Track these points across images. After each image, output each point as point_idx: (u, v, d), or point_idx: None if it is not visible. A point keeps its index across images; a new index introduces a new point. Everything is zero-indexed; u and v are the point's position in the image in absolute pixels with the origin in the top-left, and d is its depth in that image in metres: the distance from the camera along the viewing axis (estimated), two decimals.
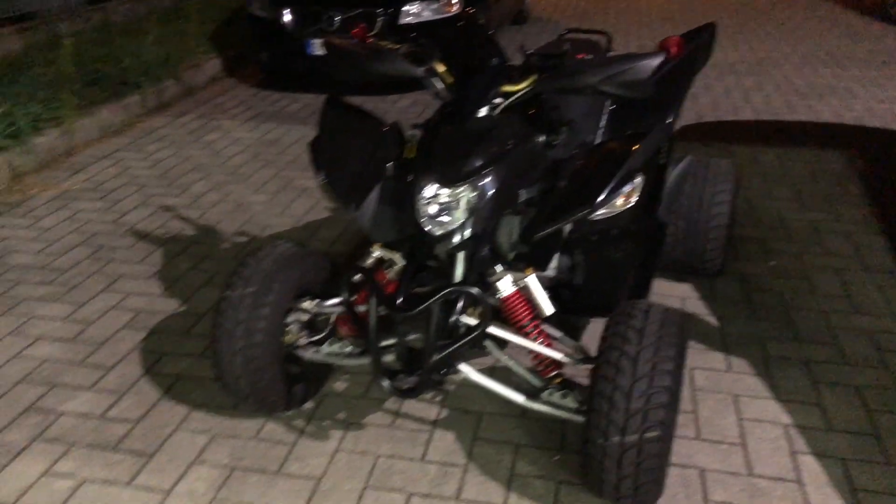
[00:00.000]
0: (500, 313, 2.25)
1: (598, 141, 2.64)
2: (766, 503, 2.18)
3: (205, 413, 2.58)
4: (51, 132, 4.86)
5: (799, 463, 2.32)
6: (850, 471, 2.29)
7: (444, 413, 2.56)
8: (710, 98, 5.90)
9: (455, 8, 5.82)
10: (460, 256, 2.15)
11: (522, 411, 2.55)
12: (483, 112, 2.21)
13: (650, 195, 2.52)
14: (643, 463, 1.91)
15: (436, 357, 2.03)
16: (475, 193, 2.09)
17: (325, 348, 2.45)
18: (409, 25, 5.69)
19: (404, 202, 2.36)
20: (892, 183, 4.28)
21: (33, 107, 4.88)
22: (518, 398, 2.19)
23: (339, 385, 2.71)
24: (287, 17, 5.82)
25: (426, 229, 2.12)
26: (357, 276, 2.31)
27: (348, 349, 2.44)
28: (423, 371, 2.04)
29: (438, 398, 2.63)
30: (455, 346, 2.05)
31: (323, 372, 2.66)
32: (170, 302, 3.26)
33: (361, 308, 2.39)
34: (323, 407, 2.60)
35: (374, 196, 2.37)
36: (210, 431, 2.50)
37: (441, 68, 2.35)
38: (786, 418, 2.51)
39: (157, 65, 5.94)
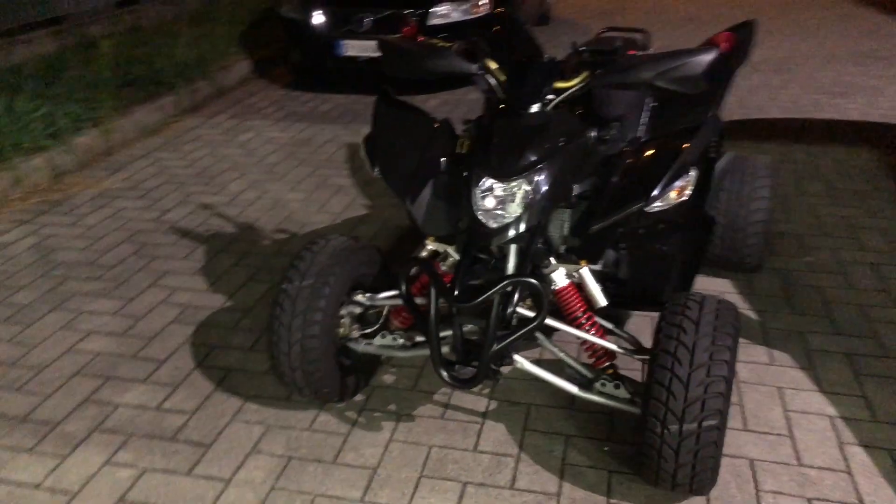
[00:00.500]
0: (551, 305, 2.29)
1: (640, 136, 2.68)
2: (817, 493, 2.21)
3: (258, 405, 2.64)
4: (90, 132, 4.95)
5: (847, 453, 2.35)
6: None
7: (493, 405, 2.61)
8: (736, 96, 5.91)
9: (483, 9, 5.87)
10: (514, 249, 2.20)
11: (570, 403, 2.59)
12: (535, 108, 2.26)
13: (700, 189, 2.56)
14: (701, 451, 1.95)
15: (495, 347, 2.08)
16: (530, 187, 2.13)
17: (378, 340, 2.50)
18: (438, 26, 5.74)
19: (457, 197, 2.41)
20: None
21: (72, 107, 4.97)
22: (572, 389, 2.23)
23: (388, 378, 2.76)
24: (317, 18, 5.89)
25: (483, 222, 2.16)
26: (414, 269, 2.35)
27: (400, 341, 2.49)
28: (481, 362, 2.09)
29: (486, 391, 2.67)
30: (514, 336, 2.09)
31: (372, 364, 2.71)
32: (215, 297, 3.32)
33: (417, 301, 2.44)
34: (373, 399, 2.65)
35: (427, 190, 2.42)
36: (265, 422, 2.56)
37: (493, 65, 2.39)
38: (831, 410, 2.54)
39: (189, 66, 6.03)
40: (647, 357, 2.19)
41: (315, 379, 2.41)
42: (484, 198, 2.17)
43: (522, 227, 2.16)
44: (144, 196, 4.40)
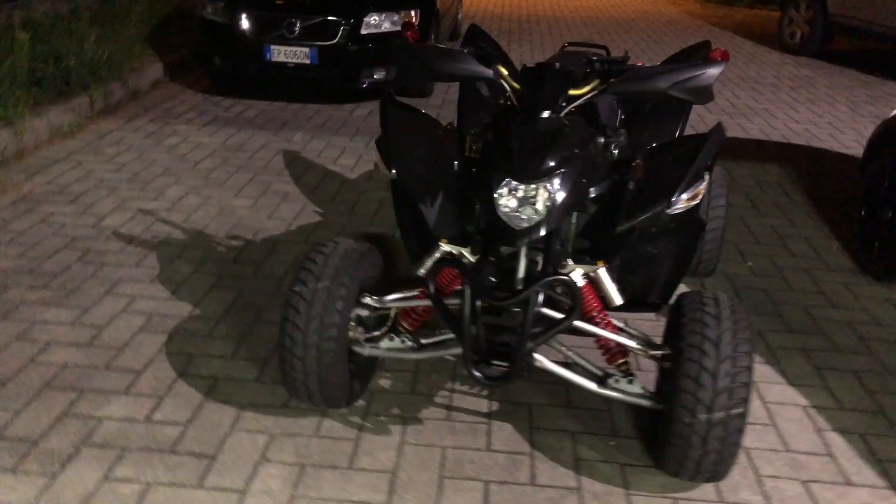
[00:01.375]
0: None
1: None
2: (810, 475, 2.39)
3: (255, 413, 2.55)
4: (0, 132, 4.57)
5: (825, 439, 2.56)
6: (870, 444, 2.55)
7: (496, 406, 2.64)
8: None
9: (414, 21, 5.91)
10: (524, 252, 2.26)
11: (567, 401, 2.67)
12: (546, 114, 2.33)
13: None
14: (727, 438, 2.07)
15: (530, 345, 2.12)
16: (552, 190, 2.20)
17: (385, 343, 2.48)
18: (369, 35, 5.74)
19: (468, 199, 2.45)
20: (830, 193, 4.72)
21: None
22: (591, 385, 2.31)
23: (385, 382, 2.74)
24: (245, 22, 5.74)
25: (507, 224, 2.21)
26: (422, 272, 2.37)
27: (409, 344, 2.48)
28: (517, 358, 2.13)
29: (484, 392, 2.71)
30: (550, 333, 2.15)
31: (371, 368, 2.68)
32: (181, 305, 3.17)
33: (423, 302, 2.45)
34: (374, 403, 2.62)
35: (439, 193, 2.44)
36: (267, 431, 2.47)
37: (504, 71, 2.44)
38: (803, 400, 2.76)
39: (100, 66, 5.70)
40: (661, 353, 2.30)
41: (328, 383, 2.36)
42: (507, 200, 2.21)
43: (545, 228, 2.22)
44: (75, 201, 4.12)
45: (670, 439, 2.14)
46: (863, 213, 3.85)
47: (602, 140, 2.44)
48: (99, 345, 2.88)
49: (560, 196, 2.20)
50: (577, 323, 2.30)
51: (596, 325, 2.34)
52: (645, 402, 2.31)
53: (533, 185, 2.19)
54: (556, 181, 2.20)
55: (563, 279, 2.13)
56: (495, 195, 2.22)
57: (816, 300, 3.47)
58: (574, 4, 12.79)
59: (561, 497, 2.26)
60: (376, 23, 5.75)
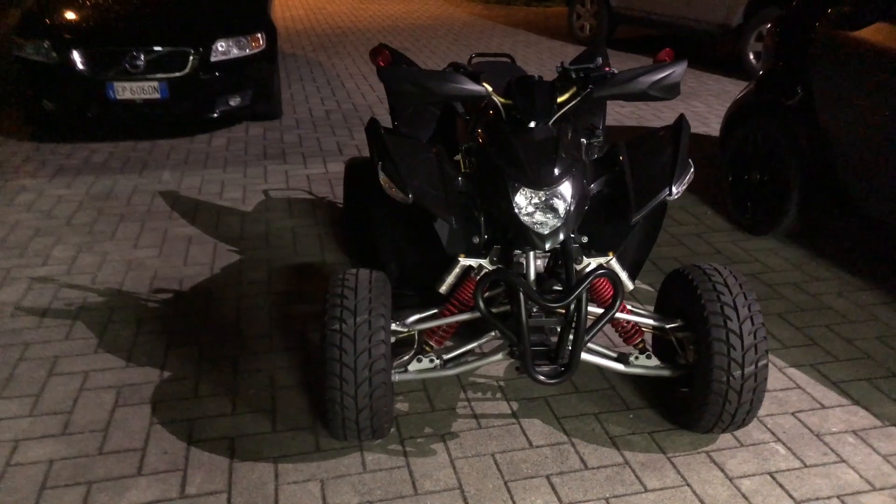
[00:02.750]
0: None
1: None
2: (794, 408, 2.76)
3: (293, 463, 2.45)
4: None
5: (788, 375, 2.97)
6: (822, 371, 2.98)
7: (515, 405, 2.76)
8: None
9: (261, 44, 5.77)
10: (533, 255, 2.41)
11: (576, 387, 2.85)
12: (533, 123, 2.48)
13: None
14: (758, 387, 2.36)
15: (586, 339, 2.27)
16: (567, 192, 2.36)
17: (414, 366, 2.51)
18: (220, 62, 5.51)
19: (474, 212, 2.53)
20: None
21: None
22: (619, 367, 2.51)
23: (402, 406, 2.74)
24: (80, 60, 5.26)
25: (533, 230, 2.33)
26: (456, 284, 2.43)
27: (437, 362, 2.52)
28: (575, 354, 2.26)
29: (498, 395, 2.81)
30: (598, 326, 2.31)
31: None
32: (146, 371, 2.92)
33: (452, 319, 2.51)
34: (403, 428, 2.63)
35: (451, 210, 2.50)
36: (315, 477, 2.40)
37: (489, 87, 2.55)
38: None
39: None
40: (676, 325, 2.54)
41: (380, 417, 2.35)
42: (527, 208, 2.34)
43: (568, 229, 2.37)
44: None
45: (708, 398, 2.38)
46: (730, 178, 4.41)
47: (584, 141, 2.64)
48: (75, 431, 2.59)
49: (573, 197, 2.36)
50: (595, 310, 2.49)
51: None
52: (665, 373, 2.55)
53: (550, 191, 2.33)
54: (568, 184, 2.36)
55: (607, 272, 2.30)
56: (514, 205, 2.34)
57: (720, 259, 3.94)
58: (369, 14, 13.00)
59: (616, 474, 2.43)
60: (225, 49, 5.54)
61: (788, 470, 2.45)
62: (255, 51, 5.72)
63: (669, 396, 2.68)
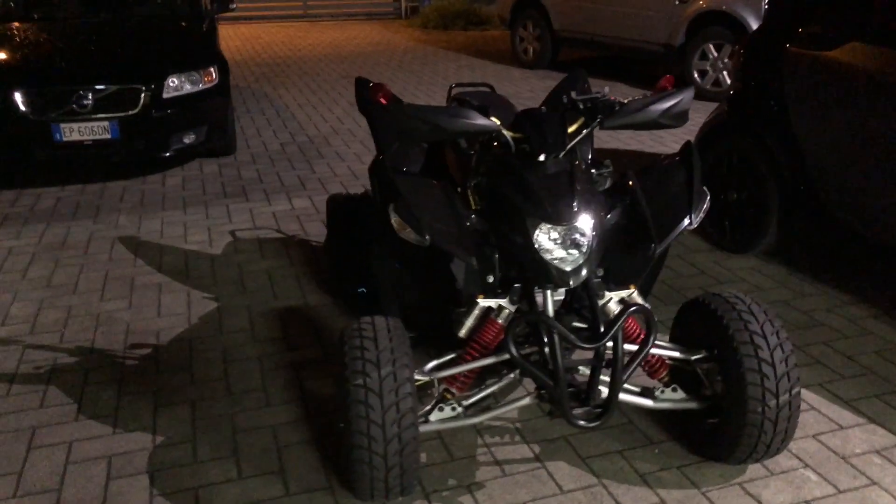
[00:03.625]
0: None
1: None
2: (814, 430, 2.74)
3: None
4: None
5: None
6: (831, 390, 2.98)
7: (537, 448, 2.65)
8: None
9: (214, 78, 5.57)
10: (548, 293, 2.34)
11: None
12: (542, 157, 2.40)
13: None
14: (792, 415, 2.32)
15: (623, 378, 2.19)
16: (588, 227, 2.28)
17: (436, 416, 2.38)
18: (172, 98, 5.29)
19: (490, 250, 2.43)
20: None
21: None
22: (647, 402, 2.44)
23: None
24: (21, 101, 4.95)
25: (556, 266, 2.25)
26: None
27: (459, 410, 2.40)
28: (613, 395, 2.18)
29: (517, 438, 2.70)
30: (634, 363, 2.23)
31: None
32: (135, 437, 2.70)
33: (472, 365, 2.39)
34: (426, 481, 2.49)
35: (466, 250, 2.39)
36: None
37: (497, 121, 2.46)
38: None
39: None
40: (702, 356, 2.48)
41: (409, 473, 2.21)
42: (548, 244, 2.25)
43: (591, 264, 2.30)
44: None
45: (744, 430, 2.32)
46: None
47: (595, 172, 2.58)
48: None
49: (594, 231, 2.29)
50: (631, 347, 2.41)
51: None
52: (692, 405, 2.49)
53: (570, 226, 2.25)
54: (587, 217, 2.28)
55: (641, 308, 2.23)
56: (534, 242, 2.25)
57: (706, 280, 3.94)
58: (307, 42, 12.83)
59: None
60: (177, 85, 5.32)
61: (824, 497, 2.41)
62: (209, 85, 5.51)
63: (695, 429, 2.61)
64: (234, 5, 6.58)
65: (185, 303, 3.70)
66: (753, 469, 2.54)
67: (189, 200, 5.13)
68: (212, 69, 5.57)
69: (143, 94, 5.15)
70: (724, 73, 7.82)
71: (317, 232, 4.57)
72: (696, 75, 8.06)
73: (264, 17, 15.80)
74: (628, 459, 2.59)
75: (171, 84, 5.29)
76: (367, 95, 3.39)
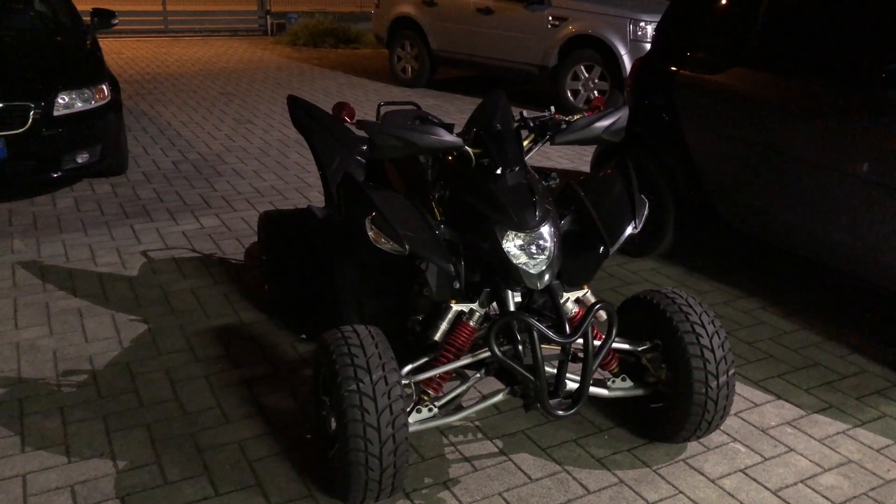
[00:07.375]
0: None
1: None
2: (734, 408, 3.09)
3: None
4: None
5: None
6: (744, 374, 3.36)
7: (500, 443, 2.82)
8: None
9: (106, 95, 5.36)
10: (509, 294, 2.54)
11: (541, 418, 2.96)
12: (500, 169, 2.60)
13: None
14: (730, 394, 2.63)
15: (594, 368, 2.40)
16: (550, 232, 2.50)
17: (414, 417, 2.49)
18: (64, 116, 5.04)
19: (456, 258, 2.59)
20: None
21: None
22: (602, 392, 2.68)
23: None
24: None
25: (524, 270, 2.44)
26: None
27: (434, 411, 2.53)
28: (586, 387, 2.39)
29: (479, 435, 2.86)
30: (598, 358, 2.44)
31: None
32: (94, 465, 2.62)
33: (449, 367, 2.53)
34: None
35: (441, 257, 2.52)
36: None
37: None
38: None
39: None
40: (647, 347, 2.74)
41: (401, 473, 2.31)
42: (516, 250, 2.45)
43: (554, 267, 2.51)
44: None
45: (690, 410, 2.60)
46: None
47: (545, 183, 2.79)
48: None
49: (553, 237, 2.51)
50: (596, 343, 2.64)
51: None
52: (640, 392, 2.75)
53: (534, 233, 2.46)
54: (548, 225, 2.50)
55: (605, 305, 2.45)
56: (503, 248, 2.43)
57: (613, 282, 4.28)
58: (174, 59, 12.42)
59: (617, 493, 2.58)
60: (68, 102, 5.08)
61: (754, 465, 2.74)
62: (101, 102, 5.30)
63: (639, 413, 2.88)
64: (117, 20, 6.34)
65: (112, 326, 3.58)
66: (693, 447, 2.83)
67: (88, 222, 4.91)
68: (103, 86, 5.36)
69: (31, 112, 4.87)
70: (595, 92, 8.39)
71: (233, 250, 4.52)
72: (569, 94, 8.59)
73: (123, 31, 15.09)
74: (584, 446, 2.82)
75: (62, 101, 5.05)
76: (304, 113, 3.47)
